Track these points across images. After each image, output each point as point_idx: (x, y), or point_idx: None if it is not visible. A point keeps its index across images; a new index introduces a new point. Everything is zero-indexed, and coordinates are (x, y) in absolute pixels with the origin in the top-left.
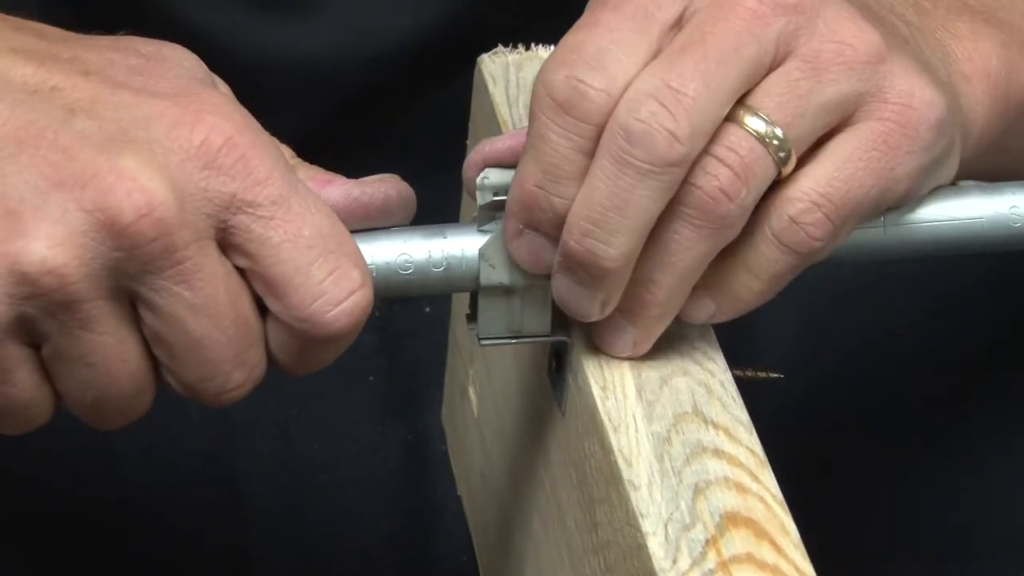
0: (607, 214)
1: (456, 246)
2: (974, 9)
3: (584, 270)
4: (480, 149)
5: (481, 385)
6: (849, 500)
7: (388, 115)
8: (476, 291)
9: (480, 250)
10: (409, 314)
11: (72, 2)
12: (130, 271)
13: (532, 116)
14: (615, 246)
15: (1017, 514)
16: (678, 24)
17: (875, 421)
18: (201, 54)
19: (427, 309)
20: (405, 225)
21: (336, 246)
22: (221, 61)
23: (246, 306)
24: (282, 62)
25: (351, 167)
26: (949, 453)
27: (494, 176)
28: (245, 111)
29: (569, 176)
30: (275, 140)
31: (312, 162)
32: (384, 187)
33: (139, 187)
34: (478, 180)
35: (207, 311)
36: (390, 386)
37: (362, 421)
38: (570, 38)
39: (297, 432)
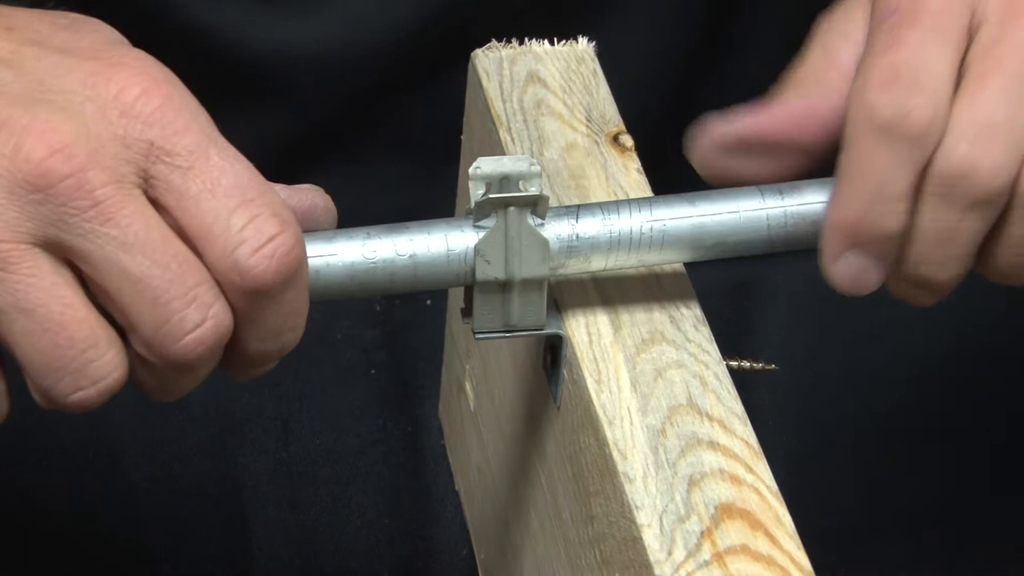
0: (938, 248)
1: (422, 241)
2: None
3: (917, 287)
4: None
5: (477, 380)
6: (844, 492)
7: (386, 112)
8: (471, 286)
9: (476, 246)
10: (409, 307)
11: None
12: (52, 217)
13: (852, 142)
14: (948, 272)
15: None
16: (971, 28)
17: (873, 414)
18: (201, 51)
19: (428, 302)
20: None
21: (256, 195)
22: (222, 57)
23: (183, 246)
24: (281, 58)
25: (351, 163)
26: (948, 443)
27: (486, 166)
28: (166, 69)
29: (899, 196)
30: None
31: (312, 159)
32: (312, 195)
33: (52, 128)
34: (471, 170)
35: (140, 247)
36: (391, 379)
37: (363, 414)
38: (879, 60)
39: (298, 426)
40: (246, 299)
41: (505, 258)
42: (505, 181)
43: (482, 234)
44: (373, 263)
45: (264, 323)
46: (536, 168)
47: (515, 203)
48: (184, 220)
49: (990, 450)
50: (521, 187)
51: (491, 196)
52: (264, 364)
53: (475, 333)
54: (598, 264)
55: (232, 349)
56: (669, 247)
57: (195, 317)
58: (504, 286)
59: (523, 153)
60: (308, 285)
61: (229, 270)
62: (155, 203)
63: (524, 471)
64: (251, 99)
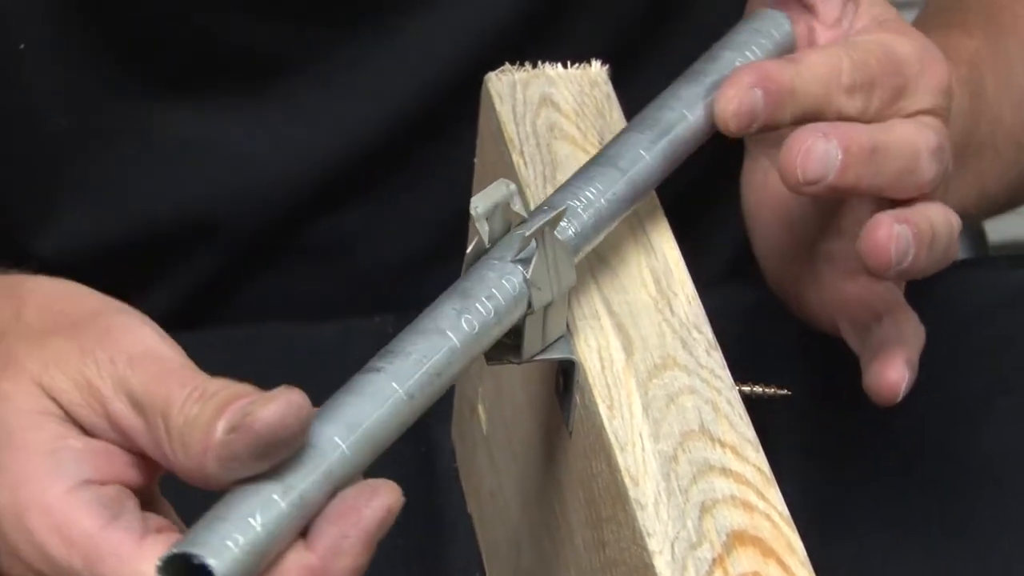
0: None
1: (496, 285)
2: None
3: None
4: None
5: (490, 403)
6: (858, 519)
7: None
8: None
9: (529, 279)
10: None
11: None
12: None
13: None
14: None
15: None
16: None
17: (888, 438)
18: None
19: None
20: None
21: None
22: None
23: None
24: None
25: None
26: (963, 464)
27: (482, 202)
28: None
29: None
30: None
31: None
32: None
33: None
34: (474, 212)
35: None
36: None
37: None
38: None
39: None
40: None
41: (549, 280)
42: (501, 208)
43: (530, 267)
44: (475, 334)
45: None
46: (512, 187)
47: (550, 225)
48: None
49: (1015, 467)
50: (514, 207)
51: (535, 229)
52: None
53: (487, 360)
54: (596, 241)
55: None
56: (642, 188)
57: None
58: (547, 307)
59: (536, 177)
60: None
61: None
62: None
63: (537, 496)
64: (297, 126)
